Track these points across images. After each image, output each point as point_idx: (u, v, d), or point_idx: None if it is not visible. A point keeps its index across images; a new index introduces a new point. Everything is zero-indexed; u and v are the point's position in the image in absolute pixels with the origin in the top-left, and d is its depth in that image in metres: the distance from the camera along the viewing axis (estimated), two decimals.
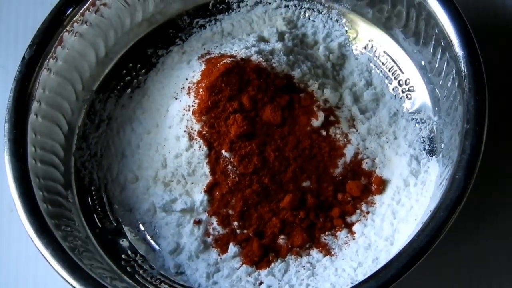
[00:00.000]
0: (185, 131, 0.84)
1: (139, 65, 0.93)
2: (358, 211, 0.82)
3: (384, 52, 0.90)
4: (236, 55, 0.85)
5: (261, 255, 0.81)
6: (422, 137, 0.84)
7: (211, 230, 0.83)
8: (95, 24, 0.88)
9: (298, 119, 0.84)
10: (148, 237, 0.85)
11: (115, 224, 0.86)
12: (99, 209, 0.87)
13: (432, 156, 0.83)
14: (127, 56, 0.93)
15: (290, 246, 0.81)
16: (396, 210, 0.81)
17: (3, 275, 0.89)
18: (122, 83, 0.93)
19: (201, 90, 0.84)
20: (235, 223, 0.82)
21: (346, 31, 0.92)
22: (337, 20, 0.92)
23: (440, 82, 0.83)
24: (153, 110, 0.90)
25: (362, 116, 0.87)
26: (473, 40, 0.78)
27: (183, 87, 0.87)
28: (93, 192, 0.88)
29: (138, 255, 0.84)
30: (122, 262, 0.83)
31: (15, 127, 0.81)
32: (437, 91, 0.83)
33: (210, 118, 0.83)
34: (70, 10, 0.86)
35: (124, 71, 0.93)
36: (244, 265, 0.81)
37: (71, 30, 0.86)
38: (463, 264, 0.83)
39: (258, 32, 0.92)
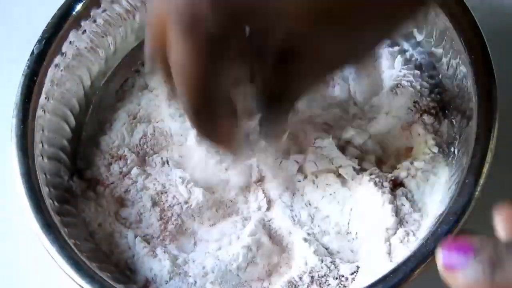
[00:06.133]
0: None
1: None
2: None
3: None
4: None
5: None
6: None
7: None
8: (104, 20, 0.88)
9: None
10: None
11: None
12: None
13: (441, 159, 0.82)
14: (136, 53, 0.92)
15: None
16: None
17: (8, 271, 0.88)
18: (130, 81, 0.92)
19: None
20: None
21: None
22: None
23: (451, 85, 0.82)
24: (160, 108, 0.89)
25: (371, 116, 0.86)
26: (485, 44, 0.78)
27: None
28: None
29: None
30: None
31: (23, 123, 0.80)
32: (448, 94, 0.83)
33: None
34: (79, 5, 0.85)
35: (133, 69, 0.92)
36: None
37: (80, 26, 0.86)
38: None
39: None
